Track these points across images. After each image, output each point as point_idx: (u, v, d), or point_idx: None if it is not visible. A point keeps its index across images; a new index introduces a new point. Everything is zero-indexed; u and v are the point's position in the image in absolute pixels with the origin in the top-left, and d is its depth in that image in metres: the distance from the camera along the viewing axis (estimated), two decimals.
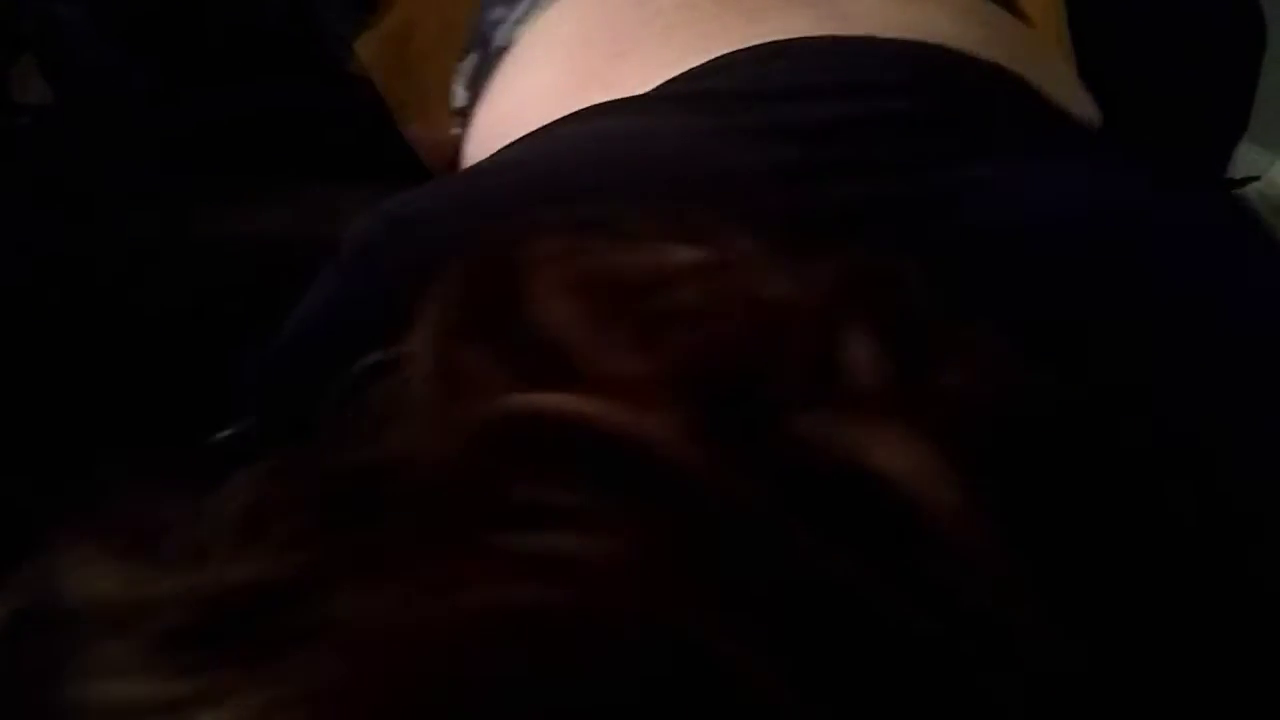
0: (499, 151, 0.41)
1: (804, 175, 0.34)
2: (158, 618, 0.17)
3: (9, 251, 0.70)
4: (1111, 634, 0.19)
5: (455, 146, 0.79)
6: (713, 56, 0.40)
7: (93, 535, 0.19)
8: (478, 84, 0.61)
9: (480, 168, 0.39)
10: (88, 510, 0.20)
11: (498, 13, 0.58)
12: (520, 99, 0.49)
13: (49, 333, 0.65)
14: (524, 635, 0.15)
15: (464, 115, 0.65)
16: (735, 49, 0.40)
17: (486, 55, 0.60)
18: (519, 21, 0.56)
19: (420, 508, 0.18)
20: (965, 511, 0.18)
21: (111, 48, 0.81)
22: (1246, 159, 1.11)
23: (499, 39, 0.58)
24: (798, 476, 0.19)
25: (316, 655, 0.15)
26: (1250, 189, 1.16)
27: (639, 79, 0.41)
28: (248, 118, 0.77)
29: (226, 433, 0.27)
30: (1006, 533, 0.18)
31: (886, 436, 0.19)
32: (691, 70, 0.40)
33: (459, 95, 0.66)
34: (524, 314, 0.22)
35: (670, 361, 0.20)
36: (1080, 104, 0.47)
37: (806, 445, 0.19)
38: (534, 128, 0.40)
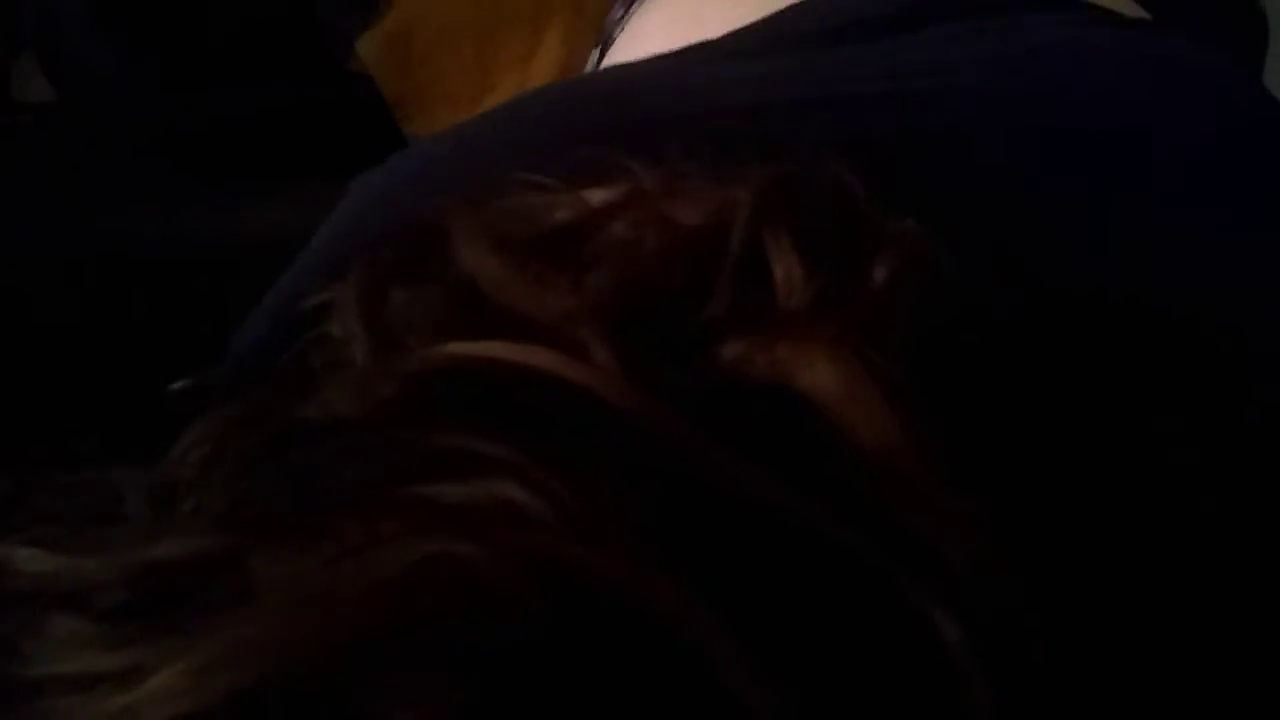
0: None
1: (755, 86, 0.34)
2: (97, 595, 0.17)
3: (9, 251, 0.70)
4: (1050, 562, 0.18)
5: None
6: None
7: (33, 517, 0.20)
8: None
9: (474, 121, 0.39)
10: (29, 491, 0.20)
11: (617, 12, 0.60)
12: None
13: (48, 333, 0.65)
14: (449, 589, 0.16)
15: None
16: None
17: (605, 53, 0.61)
18: (628, 17, 0.57)
19: (349, 466, 0.18)
20: (893, 431, 0.18)
21: (111, 46, 0.81)
22: None
23: (615, 35, 0.59)
24: (727, 405, 0.18)
25: (248, 619, 0.16)
26: None
27: None
28: (249, 116, 0.77)
29: (182, 383, 0.27)
30: (936, 451, 0.18)
31: (811, 356, 0.19)
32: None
33: None
34: (444, 265, 0.22)
35: (593, 298, 0.20)
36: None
37: (734, 370, 0.19)
38: None
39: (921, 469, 0.18)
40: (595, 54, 0.65)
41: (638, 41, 0.52)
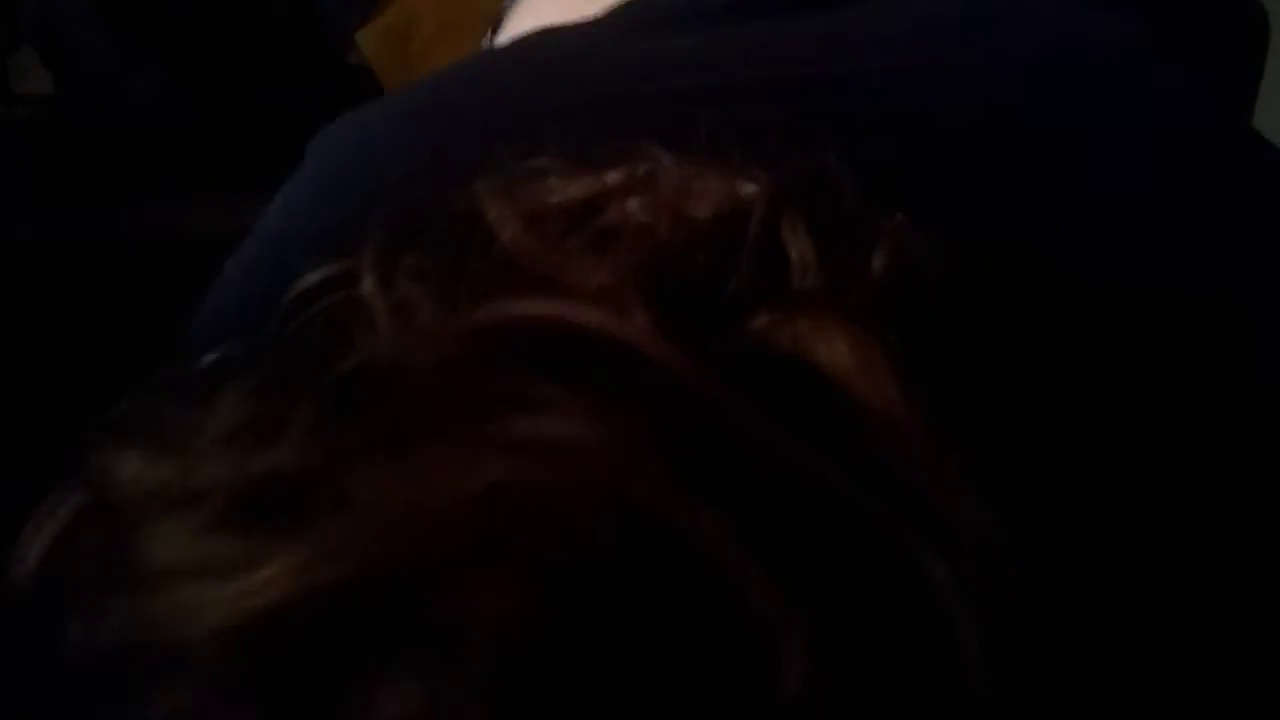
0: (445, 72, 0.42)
1: (706, 68, 0.35)
2: (204, 502, 0.20)
3: (8, 243, 0.70)
4: (1035, 517, 0.21)
5: None
6: None
7: (135, 435, 0.22)
8: None
9: (427, 89, 0.40)
10: (124, 416, 0.23)
11: None
12: None
13: (46, 324, 0.65)
14: (522, 510, 0.18)
15: None
16: None
17: (494, 35, 0.62)
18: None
19: (417, 404, 0.20)
20: (898, 400, 0.20)
21: (113, 40, 0.81)
22: None
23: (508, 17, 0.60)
24: (753, 370, 0.21)
25: (346, 524, 0.18)
26: None
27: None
28: (249, 110, 0.77)
29: (212, 357, 0.28)
30: (936, 420, 0.20)
31: (827, 333, 0.21)
32: None
33: None
34: (478, 241, 0.24)
35: (627, 270, 0.22)
36: None
37: (759, 342, 0.22)
38: None
39: (920, 432, 0.20)
40: (488, 39, 0.64)
41: (532, 17, 0.53)
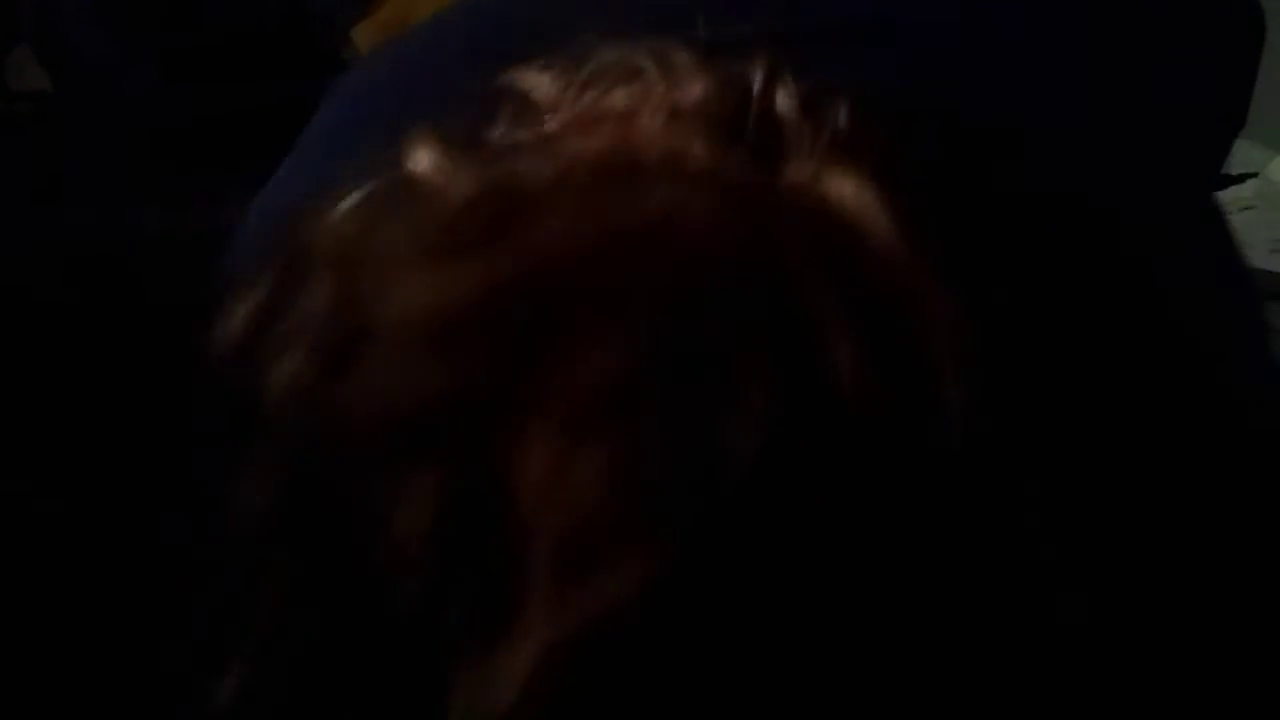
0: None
1: None
2: (399, 240, 0.26)
3: (6, 242, 0.70)
4: (997, 327, 0.26)
5: None
6: None
7: (327, 200, 0.27)
8: None
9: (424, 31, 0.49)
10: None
11: None
12: None
13: (46, 323, 0.65)
14: (666, 246, 0.25)
15: None
16: None
17: None
18: None
19: (555, 185, 0.26)
20: (894, 235, 0.25)
21: (109, 38, 0.81)
22: (1245, 155, 1.11)
23: None
24: (789, 206, 0.26)
25: (541, 234, 0.25)
26: (1247, 185, 1.16)
27: None
28: (245, 109, 0.77)
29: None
30: (926, 252, 0.25)
31: (842, 179, 0.26)
32: None
33: None
34: (530, 114, 0.29)
35: (678, 117, 0.28)
36: None
37: (791, 188, 0.27)
38: None
39: (914, 260, 0.25)
40: None
41: None
